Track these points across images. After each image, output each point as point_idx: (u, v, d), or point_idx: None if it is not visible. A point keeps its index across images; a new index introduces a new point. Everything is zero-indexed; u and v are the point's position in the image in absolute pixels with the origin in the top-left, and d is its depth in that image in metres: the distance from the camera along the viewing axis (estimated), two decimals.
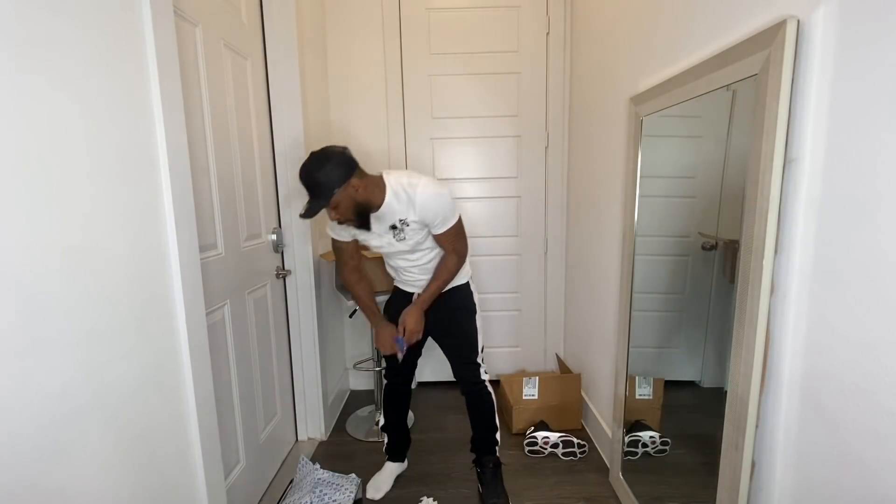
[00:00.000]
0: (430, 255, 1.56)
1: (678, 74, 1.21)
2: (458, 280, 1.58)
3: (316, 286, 1.96)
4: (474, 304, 1.63)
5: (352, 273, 1.60)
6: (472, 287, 1.64)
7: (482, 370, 1.62)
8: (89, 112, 0.80)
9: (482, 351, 1.63)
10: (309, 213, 1.31)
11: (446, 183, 1.42)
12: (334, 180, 1.29)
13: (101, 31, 0.82)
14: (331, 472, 1.57)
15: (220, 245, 1.39)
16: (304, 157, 1.83)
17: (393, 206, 1.40)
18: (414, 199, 1.38)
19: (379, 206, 1.39)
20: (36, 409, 0.69)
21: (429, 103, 2.37)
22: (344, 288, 2.19)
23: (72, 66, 0.76)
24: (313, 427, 2.05)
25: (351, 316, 2.44)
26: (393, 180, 1.39)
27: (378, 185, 1.38)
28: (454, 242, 1.50)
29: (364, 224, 1.41)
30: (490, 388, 1.64)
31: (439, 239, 1.49)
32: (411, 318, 1.53)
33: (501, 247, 2.50)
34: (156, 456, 0.97)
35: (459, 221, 1.49)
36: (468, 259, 1.63)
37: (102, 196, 0.82)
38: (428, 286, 1.54)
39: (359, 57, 2.33)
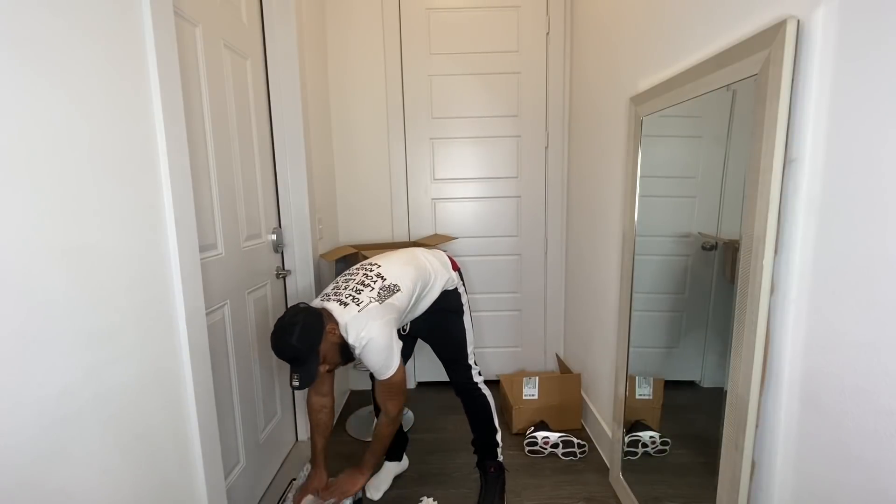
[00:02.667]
0: (426, 302, 1.50)
1: (678, 74, 1.21)
2: (447, 286, 1.53)
3: (316, 286, 1.96)
4: (462, 306, 1.58)
5: (318, 407, 1.48)
6: (461, 289, 1.59)
7: (474, 372, 1.60)
8: (89, 112, 0.80)
9: (473, 353, 1.61)
10: (305, 382, 1.25)
11: (386, 326, 1.31)
12: (313, 338, 1.24)
13: (102, 31, 0.82)
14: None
15: (220, 245, 1.39)
16: (304, 156, 1.83)
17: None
18: (356, 353, 1.33)
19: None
20: (36, 409, 0.69)
21: (429, 103, 2.37)
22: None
23: (72, 66, 0.76)
24: None
25: None
26: (339, 326, 1.30)
27: (334, 320, 1.30)
28: (386, 398, 1.40)
29: (349, 357, 1.36)
30: (485, 390, 1.61)
31: (376, 387, 1.44)
32: (349, 484, 1.46)
33: (501, 247, 2.50)
34: (156, 456, 0.97)
35: (396, 376, 1.35)
36: (450, 268, 1.57)
37: (102, 196, 0.82)
38: (365, 455, 1.48)
39: (359, 57, 2.33)
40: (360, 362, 1.36)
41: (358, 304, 1.31)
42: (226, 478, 1.40)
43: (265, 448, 1.70)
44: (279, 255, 1.86)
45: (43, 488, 0.71)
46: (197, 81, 1.28)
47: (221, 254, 1.40)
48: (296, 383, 1.26)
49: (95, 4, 0.81)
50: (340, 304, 1.32)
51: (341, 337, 1.30)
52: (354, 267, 1.50)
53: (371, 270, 1.43)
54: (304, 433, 2.05)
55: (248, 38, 1.61)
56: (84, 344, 0.78)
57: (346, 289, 1.37)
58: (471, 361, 1.60)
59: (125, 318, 0.88)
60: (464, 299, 1.59)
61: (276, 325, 1.27)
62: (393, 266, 1.44)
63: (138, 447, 0.92)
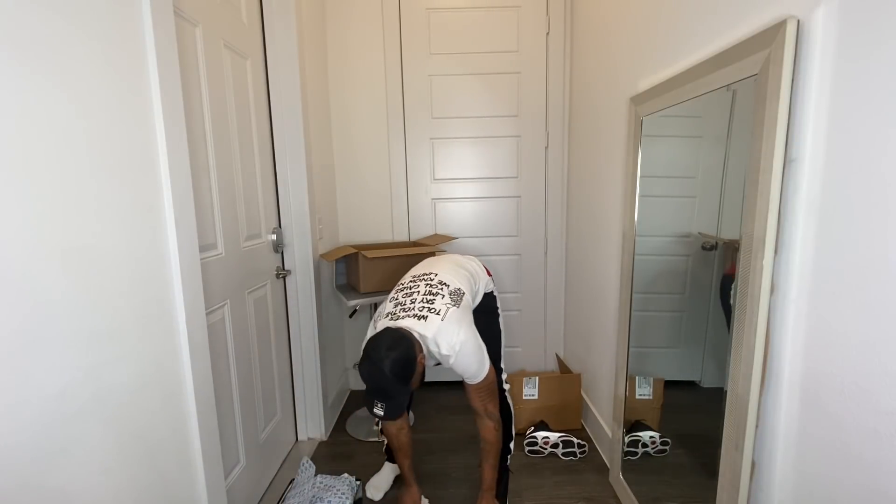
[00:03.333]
0: (475, 301, 1.50)
1: (678, 74, 1.21)
2: (487, 289, 1.55)
3: (316, 286, 1.96)
4: (497, 308, 1.60)
5: (396, 431, 1.50)
6: (496, 292, 1.61)
7: (503, 377, 1.59)
8: (89, 112, 0.80)
9: (503, 356, 1.61)
10: (391, 414, 1.19)
11: (471, 327, 1.30)
12: (408, 372, 1.17)
13: (102, 32, 0.82)
14: (330, 476, 1.56)
15: (220, 245, 1.39)
16: (303, 156, 1.83)
17: (428, 360, 1.33)
18: (447, 363, 1.29)
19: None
20: (36, 408, 0.69)
21: (429, 103, 2.37)
22: (346, 289, 2.18)
23: (72, 66, 0.76)
24: (313, 427, 2.05)
25: (351, 316, 2.44)
26: (425, 341, 1.27)
27: (421, 346, 1.26)
28: (486, 401, 1.37)
29: (422, 381, 1.33)
30: (509, 399, 1.61)
31: (470, 392, 1.36)
32: None
33: (501, 247, 2.50)
34: (156, 456, 0.97)
35: (490, 376, 1.34)
36: (486, 273, 1.58)
37: (102, 196, 0.82)
38: (484, 470, 1.44)
39: (359, 57, 2.33)
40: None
41: (438, 314, 1.27)
42: (226, 478, 1.40)
43: (265, 448, 1.70)
44: (279, 254, 1.86)
45: (43, 488, 0.71)
46: (197, 81, 1.28)
47: (221, 254, 1.40)
48: (380, 413, 1.19)
49: (95, 4, 0.81)
50: (419, 319, 1.27)
51: (424, 362, 1.26)
52: (408, 281, 1.45)
53: (432, 280, 1.40)
54: (304, 433, 2.05)
55: (248, 38, 1.61)
56: (84, 344, 0.78)
57: (414, 303, 1.32)
58: (502, 365, 1.59)
59: (125, 317, 0.88)
60: (498, 302, 1.61)
61: (367, 352, 1.19)
62: (448, 273, 1.43)
63: (138, 447, 0.92)
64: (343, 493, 1.49)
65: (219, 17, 1.41)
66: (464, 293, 1.38)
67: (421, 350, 1.23)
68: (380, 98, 2.36)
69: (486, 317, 1.56)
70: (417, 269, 1.51)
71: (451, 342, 1.25)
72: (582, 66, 2.15)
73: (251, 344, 1.61)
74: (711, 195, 1.14)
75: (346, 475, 1.58)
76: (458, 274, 1.45)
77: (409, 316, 1.28)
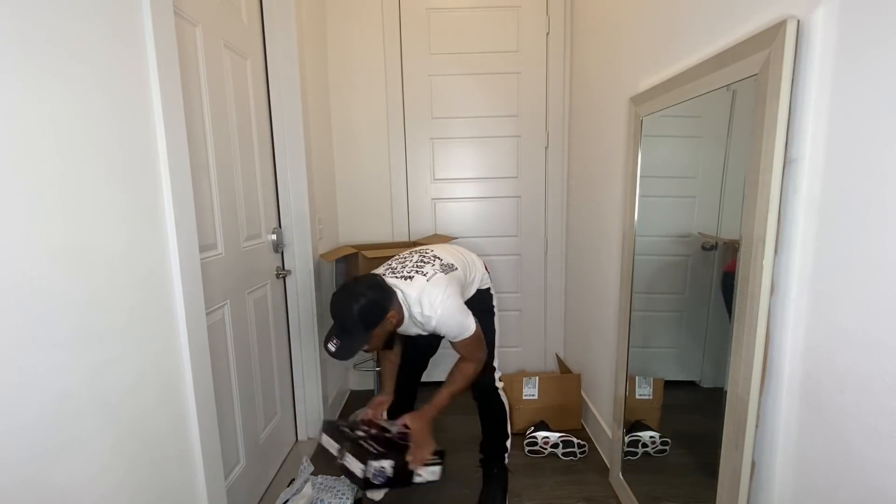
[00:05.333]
0: (468, 293, 1.50)
1: (678, 74, 1.21)
2: (482, 284, 1.56)
3: (316, 286, 1.96)
4: (493, 307, 1.59)
5: (383, 356, 1.60)
6: (493, 290, 1.61)
7: (496, 375, 1.59)
8: (89, 112, 0.80)
9: (497, 355, 1.61)
10: (343, 353, 1.22)
11: (456, 293, 1.32)
12: (374, 319, 1.22)
13: (101, 31, 0.82)
14: (330, 477, 1.56)
15: (220, 245, 1.39)
16: (304, 156, 1.83)
17: (409, 326, 1.36)
18: (430, 324, 1.32)
19: (399, 326, 1.34)
20: (36, 408, 0.69)
21: (429, 103, 2.37)
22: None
23: (72, 66, 0.76)
24: (313, 427, 2.04)
25: None
26: (408, 300, 1.31)
27: (399, 306, 1.30)
28: (472, 352, 1.38)
29: (389, 344, 1.37)
30: (503, 397, 1.61)
31: (455, 346, 1.37)
32: (420, 432, 1.36)
33: (501, 247, 2.50)
34: (156, 456, 0.97)
35: (476, 332, 1.34)
36: (484, 264, 1.61)
37: (102, 196, 0.82)
38: (441, 391, 1.41)
39: (359, 57, 2.33)
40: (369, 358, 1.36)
41: (424, 275, 1.32)
42: (226, 478, 1.40)
43: (265, 448, 1.70)
44: (279, 255, 1.86)
45: (42, 488, 0.71)
46: (197, 81, 1.28)
47: (221, 254, 1.40)
48: (332, 348, 1.23)
49: (95, 4, 0.81)
50: (405, 279, 1.32)
51: (397, 323, 1.30)
52: (404, 253, 1.50)
53: (426, 253, 1.45)
54: (304, 433, 2.05)
55: (248, 38, 1.61)
56: (84, 344, 0.78)
57: (405, 268, 1.37)
58: (495, 363, 1.59)
59: (125, 317, 0.88)
60: (494, 300, 1.61)
61: (345, 286, 1.25)
62: (443, 251, 1.49)
63: (138, 447, 0.92)
64: (343, 494, 1.49)
65: (219, 17, 1.40)
66: (456, 268, 1.41)
67: (397, 309, 1.27)
68: (380, 98, 2.36)
69: (481, 315, 1.55)
70: (422, 247, 1.55)
71: (433, 302, 1.27)
72: (582, 66, 2.15)
73: (251, 344, 1.60)
74: (711, 195, 1.14)
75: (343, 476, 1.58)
76: (454, 255, 1.48)
77: (396, 277, 1.33)
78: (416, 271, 1.34)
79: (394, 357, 1.60)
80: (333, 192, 2.38)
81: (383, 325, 1.25)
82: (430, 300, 1.27)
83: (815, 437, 0.84)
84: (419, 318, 1.31)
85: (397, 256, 1.49)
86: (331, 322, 1.29)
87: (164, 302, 0.99)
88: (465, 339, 1.33)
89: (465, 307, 1.33)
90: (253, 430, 1.60)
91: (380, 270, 1.42)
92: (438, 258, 1.42)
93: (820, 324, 0.82)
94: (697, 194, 1.22)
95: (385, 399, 1.57)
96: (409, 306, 1.31)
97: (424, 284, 1.30)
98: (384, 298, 1.24)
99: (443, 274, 1.34)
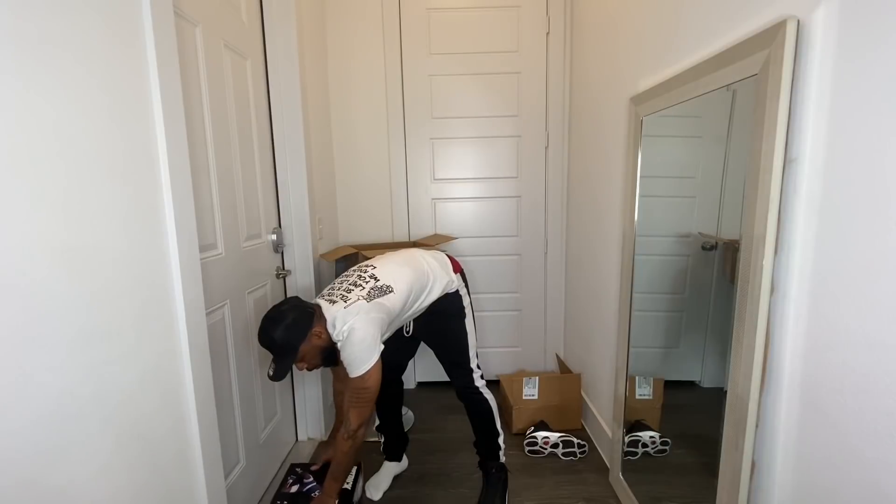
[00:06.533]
0: (424, 304, 1.49)
1: (678, 74, 1.21)
2: (447, 289, 1.52)
3: (316, 286, 1.96)
4: (464, 309, 1.57)
5: (337, 391, 1.59)
6: (463, 291, 1.58)
7: (476, 376, 1.59)
8: (89, 112, 0.80)
9: (476, 355, 1.60)
10: (278, 374, 1.28)
11: (370, 323, 1.30)
12: (296, 337, 1.26)
13: (101, 31, 0.82)
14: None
15: (220, 245, 1.39)
16: (304, 156, 1.84)
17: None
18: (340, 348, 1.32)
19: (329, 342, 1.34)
20: (36, 408, 0.69)
21: (429, 103, 2.37)
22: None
23: (71, 66, 0.76)
24: (313, 427, 2.05)
25: None
26: (330, 321, 1.31)
27: (324, 321, 1.32)
28: (356, 394, 1.32)
29: (332, 360, 1.36)
30: (486, 395, 1.60)
31: (348, 384, 1.35)
32: None
33: (501, 247, 2.50)
34: (156, 456, 0.97)
35: (367, 374, 1.29)
36: (451, 271, 1.56)
37: (102, 196, 0.82)
38: (326, 482, 1.39)
39: (359, 57, 2.33)
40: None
41: (346, 301, 1.33)
42: (226, 478, 1.40)
43: (265, 448, 1.70)
44: (279, 255, 1.86)
45: (42, 488, 0.71)
46: (197, 81, 1.28)
47: (221, 254, 1.40)
48: (270, 373, 1.29)
49: (95, 4, 0.81)
50: (330, 302, 1.34)
51: (328, 340, 1.32)
52: (353, 268, 1.51)
53: (366, 272, 1.44)
54: (303, 433, 2.05)
55: (248, 38, 1.61)
56: (84, 344, 0.78)
57: (339, 289, 1.40)
58: (473, 365, 1.59)
59: (125, 317, 0.88)
60: (465, 301, 1.58)
61: (269, 311, 1.30)
62: (388, 267, 1.45)
63: (138, 447, 0.92)
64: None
65: (219, 17, 1.40)
66: (390, 291, 1.37)
67: (319, 326, 1.30)
68: (380, 98, 2.36)
69: (449, 318, 1.55)
70: (370, 259, 1.53)
71: (342, 328, 1.29)
72: (582, 66, 2.15)
73: (251, 344, 1.60)
74: (711, 195, 1.14)
75: None
76: (401, 271, 1.43)
77: (326, 298, 1.37)
78: (342, 296, 1.35)
79: (340, 401, 1.58)
80: (333, 192, 2.38)
81: (310, 340, 1.28)
82: (340, 326, 1.29)
83: (815, 437, 0.84)
84: (334, 338, 1.32)
85: (345, 273, 1.50)
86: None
87: (164, 302, 0.99)
88: (358, 376, 1.29)
89: (373, 343, 1.29)
90: (253, 430, 1.60)
91: (326, 287, 1.45)
92: (375, 278, 1.40)
93: (820, 324, 0.82)
94: (697, 194, 1.22)
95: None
96: (330, 328, 1.32)
97: (341, 310, 1.31)
98: (304, 316, 1.28)
99: (365, 301, 1.32)
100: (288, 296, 1.92)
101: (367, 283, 1.39)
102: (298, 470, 1.55)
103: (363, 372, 1.28)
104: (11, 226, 0.66)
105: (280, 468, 1.82)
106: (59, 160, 0.74)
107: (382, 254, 1.58)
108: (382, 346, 1.32)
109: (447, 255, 1.63)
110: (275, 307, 1.31)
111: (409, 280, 1.43)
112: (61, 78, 0.74)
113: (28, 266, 0.68)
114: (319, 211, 2.07)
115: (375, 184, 2.44)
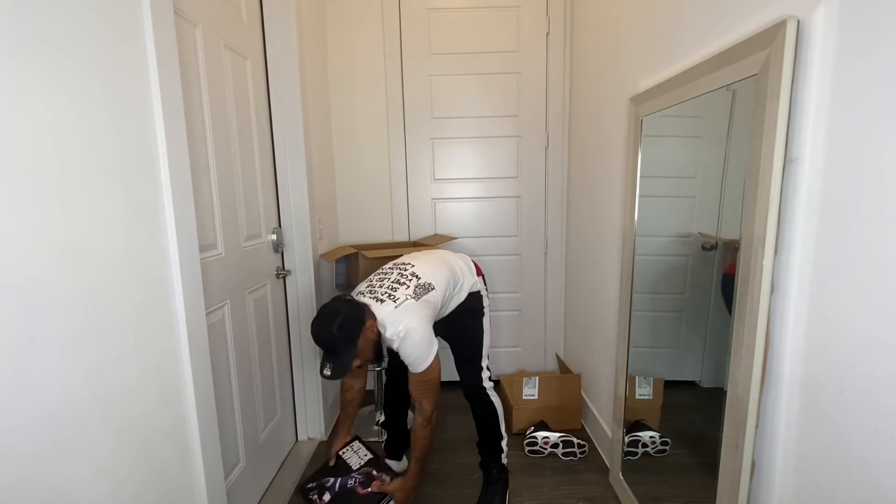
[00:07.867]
0: (454, 303, 1.51)
1: (678, 74, 1.21)
2: (472, 289, 1.56)
3: (316, 286, 1.96)
4: (483, 307, 1.60)
5: (347, 387, 1.58)
6: (484, 292, 1.62)
7: (485, 376, 1.60)
8: (89, 112, 0.80)
9: (488, 356, 1.61)
10: (336, 373, 1.26)
11: (423, 319, 1.33)
12: (354, 331, 1.26)
13: (101, 31, 0.82)
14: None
15: (220, 245, 1.39)
16: (304, 156, 1.84)
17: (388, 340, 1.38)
18: (393, 346, 1.35)
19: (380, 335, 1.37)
20: (35, 408, 0.69)
21: (429, 103, 2.37)
22: (346, 289, 2.18)
23: (71, 66, 0.76)
24: (313, 427, 2.05)
25: None
26: (381, 319, 1.33)
27: (374, 316, 1.33)
28: (422, 389, 1.38)
29: (380, 356, 1.38)
30: (493, 397, 1.60)
31: (409, 380, 1.39)
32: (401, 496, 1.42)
33: (501, 247, 2.50)
34: (156, 456, 0.97)
35: (429, 367, 1.34)
36: (475, 273, 1.60)
37: (102, 196, 0.82)
38: (411, 463, 1.45)
39: (359, 57, 2.33)
40: (375, 365, 1.36)
41: (395, 301, 1.34)
42: (226, 478, 1.40)
43: (265, 448, 1.70)
44: (279, 255, 1.86)
45: (42, 488, 0.71)
46: (197, 81, 1.28)
47: (221, 254, 1.40)
48: (327, 373, 1.26)
49: (95, 4, 0.81)
50: (377, 301, 1.35)
51: (379, 334, 1.33)
52: (387, 266, 1.52)
53: (406, 269, 1.45)
54: (304, 433, 2.05)
55: (248, 38, 1.61)
56: (84, 344, 0.78)
57: (381, 287, 1.40)
58: (483, 364, 1.60)
59: (125, 317, 0.88)
60: (485, 301, 1.61)
61: (319, 312, 1.29)
62: (426, 266, 1.47)
63: (138, 447, 0.92)
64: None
65: (219, 17, 1.40)
66: (432, 289, 1.41)
67: (370, 320, 1.30)
68: (380, 98, 2.36)
69: (469, 315, 1.58)
70: (402, 258, 1.54)
71: (396, 328, 1.30)
72: (582, 66, 2.15)
73: (251, 344, 1.60)
74: (711, 195, 1.14)
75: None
76: (437, 270, 1.47)
77: (370, 297, 1.37)
78: (388, 295, 1.36)
79: (349, 397, 1.57)
80: (333, 192, 2.38)
81: (365, 334, 1.28)
82: (394, 326, 1.31)
83: (815, 437, 0.84)
84: (385, 336, 1.34)
85: (379, 270, 1.51)
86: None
87: (164, 302, 0.99)
88: (419, 373, 1.34)
89: (430, 338, 1.34)
90: (253, 429, 1.60)
91: (362, 286, 1.45)
92: (417, 276, 1.42)
93: (820, 324, 0.82)
94: (697, 194, 1.22)
95: (340, 442, 1.56)
96: (379, 326, 1.34)
97: (392, 310, 1.32)
98: (357, 311, 1.29)
99: (414, 300, 1.35)
100: (287, 296, 1.92)
101: (410, 281, 1.41)
102: (311, 485, 1.47)
103: (426, 367, 1.33)
104: (11, 226, 0.66)
105: (280, 468, 1.82)
106: (59, 160, 0.74)
107: (410, 253, 1.60)
108: (437, 340, 1.36)
109: (472, 259, 1.66)
110: (324, 307, 1.30)
111: (446, 279, 1.47)
112: (60, 78, 0.74)
113: (28, 266, 0.68)
114: (319, 211, 2.07)
115: (375, 184, 2.44)
